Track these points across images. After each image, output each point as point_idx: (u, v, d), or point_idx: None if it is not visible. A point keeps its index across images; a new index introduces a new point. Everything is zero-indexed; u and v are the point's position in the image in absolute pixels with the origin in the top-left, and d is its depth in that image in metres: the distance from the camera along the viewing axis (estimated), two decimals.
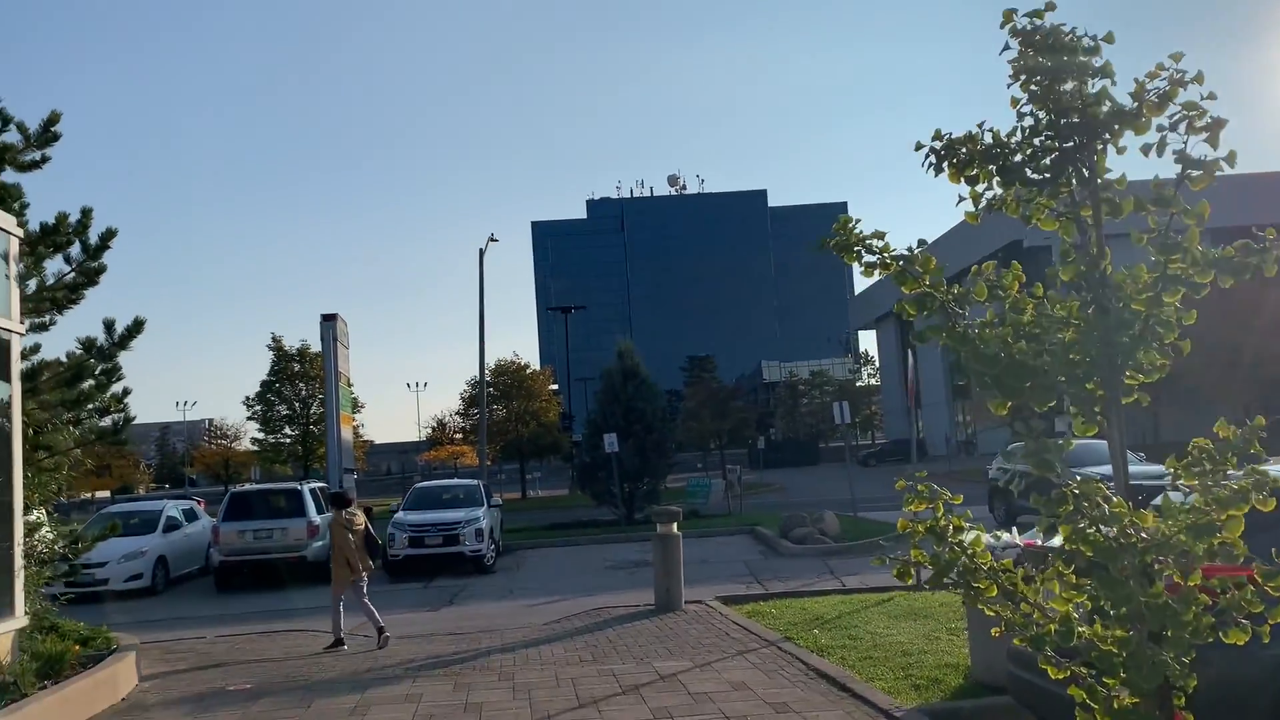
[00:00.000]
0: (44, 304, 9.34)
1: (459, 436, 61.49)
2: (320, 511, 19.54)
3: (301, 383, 56.28)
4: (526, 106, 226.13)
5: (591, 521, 26.47)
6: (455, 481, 25.05)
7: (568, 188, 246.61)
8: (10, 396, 7.95)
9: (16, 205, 9.67)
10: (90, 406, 9.66)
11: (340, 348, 26.47)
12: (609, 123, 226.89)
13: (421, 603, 15.16)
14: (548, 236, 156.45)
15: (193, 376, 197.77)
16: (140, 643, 11.64)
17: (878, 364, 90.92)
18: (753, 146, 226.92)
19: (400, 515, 19.82)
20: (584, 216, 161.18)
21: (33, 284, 9.40)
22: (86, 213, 10.05)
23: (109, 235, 9.70)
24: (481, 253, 30.72)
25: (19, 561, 7.84)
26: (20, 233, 8.31)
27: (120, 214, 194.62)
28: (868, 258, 3.33)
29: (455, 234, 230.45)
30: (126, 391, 10.10)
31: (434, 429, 65.97)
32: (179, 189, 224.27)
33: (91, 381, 9.70)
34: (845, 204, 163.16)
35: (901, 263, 3.29)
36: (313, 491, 19.96)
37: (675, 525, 11.75)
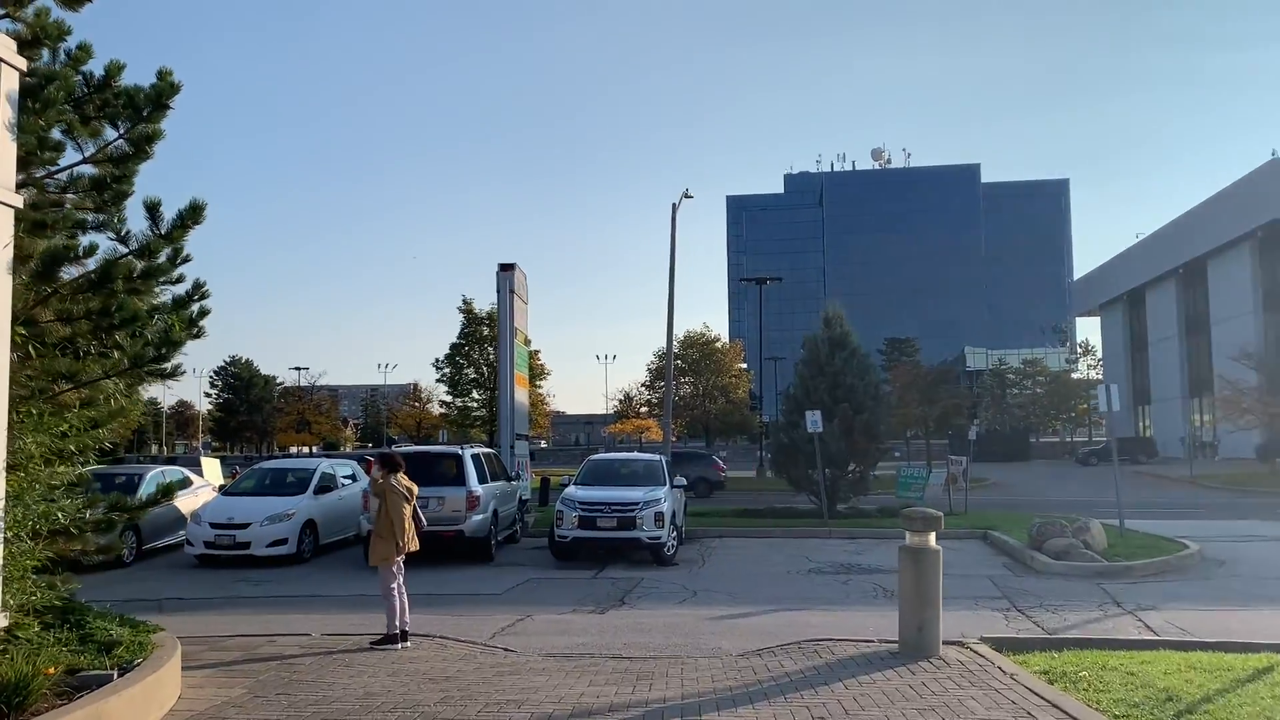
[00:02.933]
0: (82, 184, 6.87)
1: (644, 410, 59.40)
2: (483, 481, 17.15)
3: (490, 346, 55.62)
4: (727, 78, 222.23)
5: (786, 510, 23.22)
6: (635, 455, 22.07)
7: (765, 162, 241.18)
8: None
9: (74, 50, 7.27)
10: (148, 329, 7.10)
11: (518, 300, 24.22)
12: (810, 95, 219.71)
13: (586, 599, 12.46)
14: (742, 210, 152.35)
15: (394, 340, 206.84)
16: (225, 634, 9.36)
17: (1099, 354, 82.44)
18: (966, 120, 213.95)
19: (571, 490, 17.11)
20: (781, 191, 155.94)
21: (64, 155, 6.95)
22: (163, 75, 7.51)
23: (171, 90, 7.10)
24: (674, 207, 27.74)
25: None
26: (22, 64, 5.76)
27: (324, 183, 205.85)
28: None
29: (650, 206, 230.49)
30: (204, 312, 7.55)
31: (621, 402, 64.39)
32: (384, 158, 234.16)
33: (145, 303, 7.15)
34: (1066, 181, 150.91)
35: None
36: (476, 458, 17.48)
37: (934, 536, 8.18)
